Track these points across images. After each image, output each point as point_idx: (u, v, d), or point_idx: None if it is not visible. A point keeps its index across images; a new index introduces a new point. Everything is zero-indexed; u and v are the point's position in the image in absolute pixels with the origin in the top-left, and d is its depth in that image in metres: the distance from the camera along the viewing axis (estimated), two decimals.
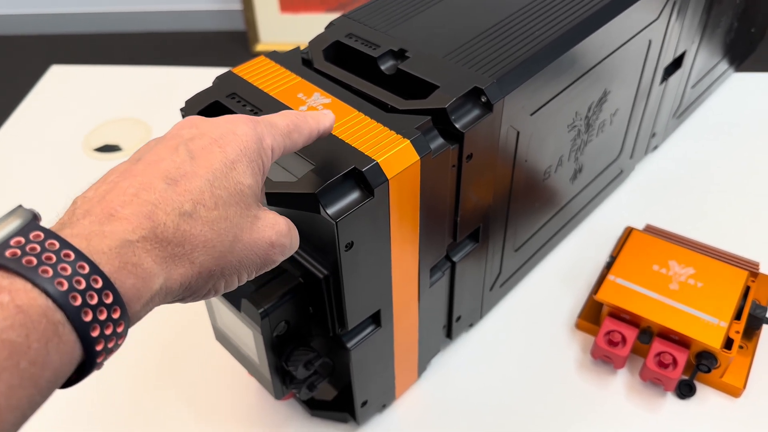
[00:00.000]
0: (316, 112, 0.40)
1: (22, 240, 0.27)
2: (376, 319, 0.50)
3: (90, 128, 0.93)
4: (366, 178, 0.41)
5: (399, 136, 0.43)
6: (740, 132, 0.86)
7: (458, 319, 0.61)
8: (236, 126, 0.35)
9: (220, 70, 0.53)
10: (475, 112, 0.47)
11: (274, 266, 0.37)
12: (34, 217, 0.28)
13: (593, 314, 0.64)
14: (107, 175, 0.32)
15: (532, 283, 0.69)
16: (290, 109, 0.46)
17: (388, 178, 0.42)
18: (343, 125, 0.44)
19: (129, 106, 0.97)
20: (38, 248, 0.27)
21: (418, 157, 0.43)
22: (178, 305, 0.69)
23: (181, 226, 0.31)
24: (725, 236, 0.71)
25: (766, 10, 0.90)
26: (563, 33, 0.52)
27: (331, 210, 0.40)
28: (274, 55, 0.52)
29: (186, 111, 0.47)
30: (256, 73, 0.50)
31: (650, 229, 0.70)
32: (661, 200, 0.77)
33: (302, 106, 0.46)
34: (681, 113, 0.83)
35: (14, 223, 0.27)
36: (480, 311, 0.64)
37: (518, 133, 0.52)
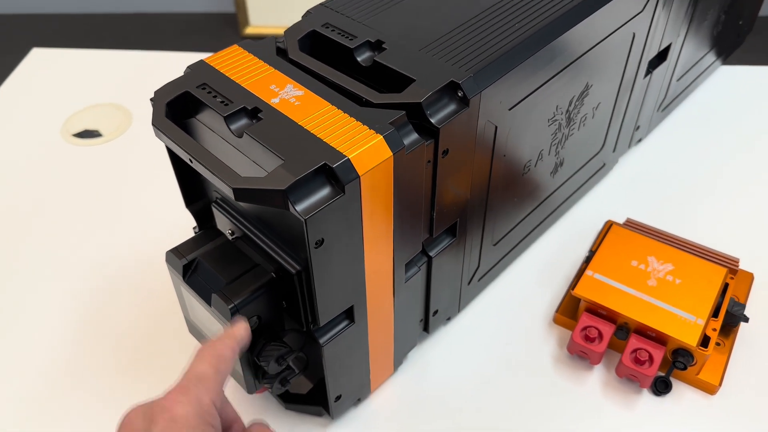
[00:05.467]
0: (226, 329, 0.43)
1: None
2: (349, 315, 0.50)
3: (70, 113, 0.91)
4: (337, 175, 0.40)
5: (372, 131, 0.42)
6: (725, 126, 0.85)
7: (435, 313, 0.60)
8: (172, 411, 0.36)
9: (207, 55, 0.51)
10: (452, 107, 0.46)
11: None
12: None
13: (571, 309, 0.64)
14: None
15: (511, 277, 0.68)
16: (261, 100, 0.45)
17: (360, 174, 0.41)
18: (315, 119, 0.43)
19: (110, 91, 0.95)
20: None
21: (391, 153, 0.42)
22: (150, 299, 0.68)
23: None
24: (706, 231, 0.71)
25: (753, 2, 0.89)
26: (544, 26, 0.51)
27: (300, 207, 0.39)
28: (248, 44, 0.51)
29: (155, 101, 0.46)
30: (228, 62, 0.49)
31: (630, 224, 0.69)
32: (643, 194, 0.76)
33: (274, 99, 0.45)
34: (666, 106, 0.82)
35: None
36: (458, 305, 0.63)
37: (496, 128, 0.51)
